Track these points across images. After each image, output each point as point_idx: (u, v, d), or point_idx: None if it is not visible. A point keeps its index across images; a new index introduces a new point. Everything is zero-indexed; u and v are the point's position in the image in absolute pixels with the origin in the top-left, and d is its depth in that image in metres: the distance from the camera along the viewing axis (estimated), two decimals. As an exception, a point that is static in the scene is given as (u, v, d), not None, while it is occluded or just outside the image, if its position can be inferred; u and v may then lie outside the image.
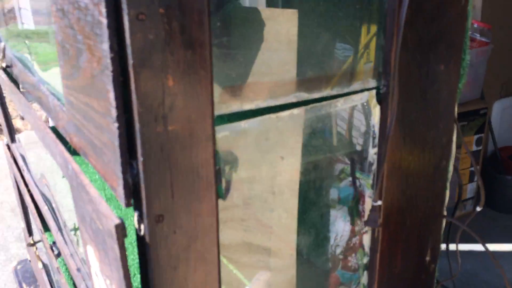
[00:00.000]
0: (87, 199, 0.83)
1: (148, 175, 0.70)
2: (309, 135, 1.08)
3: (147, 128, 0.67)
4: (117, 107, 0.67)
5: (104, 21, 0.64)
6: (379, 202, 0.97)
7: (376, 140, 0.96)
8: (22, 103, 1.37)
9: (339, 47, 0.96)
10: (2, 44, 1.50)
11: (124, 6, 0.62)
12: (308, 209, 1.32)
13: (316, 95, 0.86)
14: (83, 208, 0.89)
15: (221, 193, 0.79)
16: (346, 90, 0.90)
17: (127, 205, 0.73)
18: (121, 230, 0.71)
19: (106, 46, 0.65)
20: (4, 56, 1.51)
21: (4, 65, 1.52)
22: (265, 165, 1.06)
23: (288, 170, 1.10)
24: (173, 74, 0.67)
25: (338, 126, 1.13)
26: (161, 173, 0.71)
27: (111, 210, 0.74)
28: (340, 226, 1.27)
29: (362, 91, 0.91)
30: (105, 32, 0.64)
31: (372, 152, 0.97)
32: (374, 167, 0.98)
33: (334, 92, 0.88)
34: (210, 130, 0.73)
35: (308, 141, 1.10)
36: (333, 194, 1.27)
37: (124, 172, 0.70)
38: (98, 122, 0.75)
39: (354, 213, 1.05)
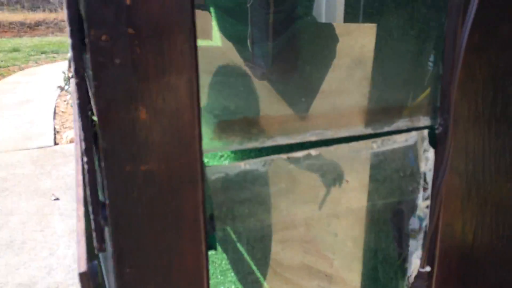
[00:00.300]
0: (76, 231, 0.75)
1: (116, 220, 0.60)
2: (382, 163, 0.91)
3: (112, 167, 0.57)
4: (86, 140, 0.58)
5: (69, 41, 0.55)
6: (427, 269, 0.78)
7: (428, 192, 0.77)
8: (75, 113, 1.36)
9: (385, 75, 0.78)
10: (69, 54, 1.52)
11: (85, 25, 0.52)
12: (382, 237, 1.15)
13: (344, 133, 0.70)
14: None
15: (214, 244, 0.66)
16: (386, 129, 0.72)
17: (100, 250, 0.63)
18: (86, 279, 0.62)
19: (73, 69, 0.56)
20: (70, 66, 1.53)
21: (71, 75, 1.53)
22: (328, 187, 0.91)
23: (353, 195, 0.94)
24: (147, 106, 0.57)
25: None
26: (133, 220, 0.60)
27: (85, 253, 0.65)
28: (420, 257, 1.09)
29: (408, 130, 0.73)
30: (71, 54, 0.56)
31: (423, 206, 0.78)
32: (425, 223, 0.79)
33: (370, 130, 0.71)
34: (197, 172, 0.61)
35: (383, 168, 0.93)
36: (414, 223, 1.10)
37: (95, 213, 0.61)
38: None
39: (399, 274, 0.86)
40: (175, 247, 0.63)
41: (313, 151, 0.66)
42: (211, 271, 1.50)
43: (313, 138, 0.67)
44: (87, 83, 0.57)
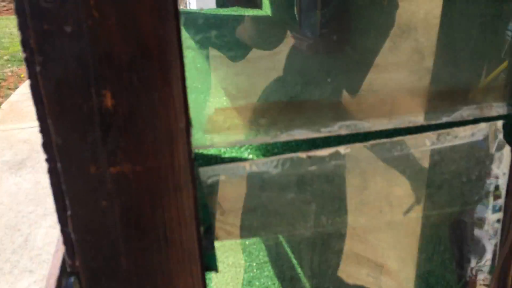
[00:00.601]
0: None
1: (82, 236, 0.47)
2: (438, 165, 0.74)
3: (72, 168, 0.44)
4: (43, 131, 0.45)
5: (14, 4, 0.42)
6: (496, 298, 0.60)
7: (501, 201, 0.59)
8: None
9: (449, 47, 0.59)
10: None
11: (19, -20, 0.39)
12: (443, 225, 0.99)
13: (386, 125, 0.53)
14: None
15: (213, 263, 0.53)
16: (445, 119, 0.54)
17: (72, 267, 0.51)
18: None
19: (20, 40, 0.43)
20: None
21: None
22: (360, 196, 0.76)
23: (397, 206, 0.78)
24: (113, 89, 0.43)
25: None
26: (104, 235, 0.47)
27: (58, 267, 0.54)
28: (485, 249, 0.93)
29: (475, 121, 0.55)
30: (18, 21, 0.42)
31: (493, 219, 0.60)
32: (495, 240, 0.61)
33: (422, 121, 0.53)
34: (185, 175, 0.47)
35: (439, 171, 0.76)
36: (481, 212, 0.93)
37: (62, 223, 0.49)
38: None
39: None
40: (160, 269, 0.50)
41: (342, 149, 0.50)
42: (246, 264, 1.38)
43: (343, 132, 0.51)
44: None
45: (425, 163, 0.56)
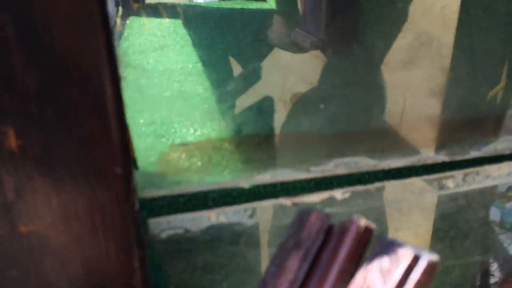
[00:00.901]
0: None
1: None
2: (463, 212, 0.63)
3: (-33, 230, 0.33)
4: None
5: None
6: None
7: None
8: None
9: (474, 54, 0.46)
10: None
11: None
12: (453, 229, 0.89)
13: (396, 162, 0.40)
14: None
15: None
16: (474, 153, 0.41)
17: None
18: None
19: None
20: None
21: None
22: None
23: (418, 186, 0.67)
24: (18, 125, 0.31)
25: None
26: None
27: None
28: (500, 253, 0.84)
29: (514, 157, 0.42)
30: None
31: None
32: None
33: (443, 157, 0.41)
34: (125, 233, 0.36)
35: (465, 219, 0.66)
36: (494, 214, 0.84)
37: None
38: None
39: None
40: None
41: (339, 193, 0.38)
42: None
43: (340, 171, 0.39)
44: None
45: (447, 211, 0.43)
